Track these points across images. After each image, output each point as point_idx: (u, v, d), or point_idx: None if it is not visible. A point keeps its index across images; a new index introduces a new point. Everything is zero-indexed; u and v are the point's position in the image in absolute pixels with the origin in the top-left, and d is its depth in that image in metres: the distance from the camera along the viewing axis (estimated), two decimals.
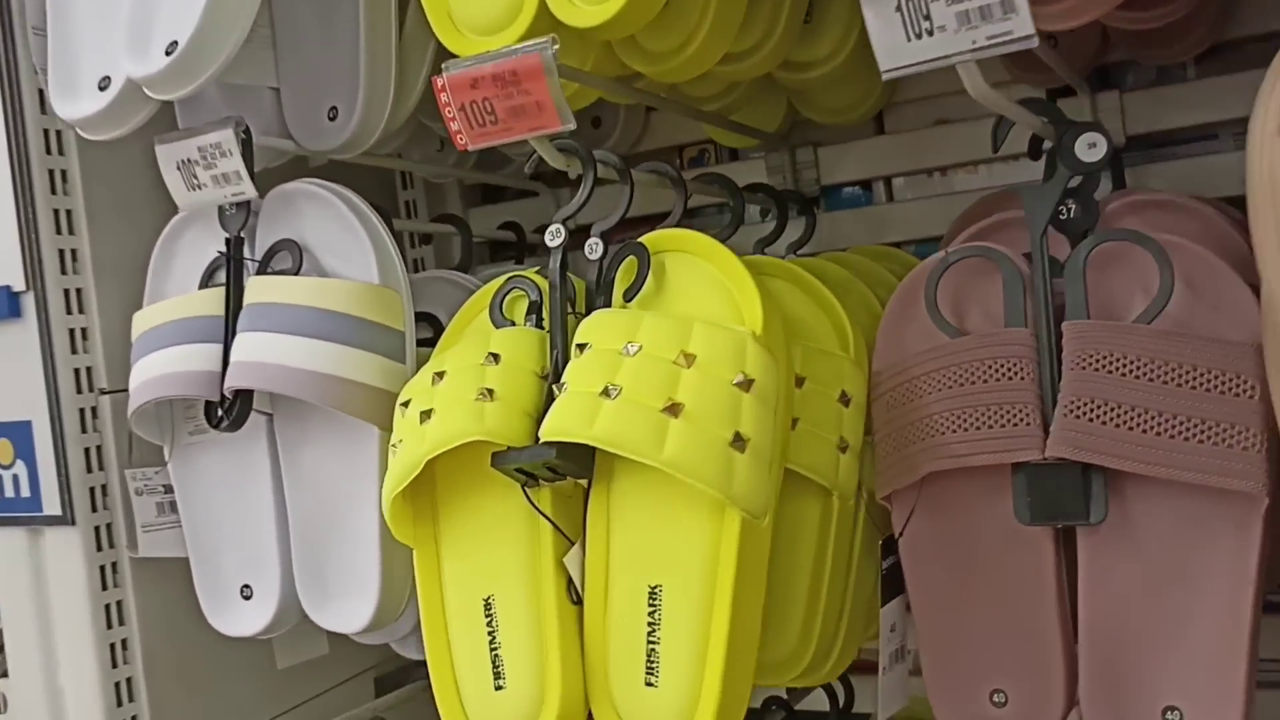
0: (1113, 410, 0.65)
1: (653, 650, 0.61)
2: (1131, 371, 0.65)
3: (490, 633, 0.65)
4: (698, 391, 0.59)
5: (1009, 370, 0.69)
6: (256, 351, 0.73)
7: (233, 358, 0.75)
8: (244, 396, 0.76)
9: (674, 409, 0.59)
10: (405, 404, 0.68)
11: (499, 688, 0.64)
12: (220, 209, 0.79)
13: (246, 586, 0.83)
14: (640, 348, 0.61)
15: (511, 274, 0.72)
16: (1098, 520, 0.66)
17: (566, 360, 0.65)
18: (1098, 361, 0.66)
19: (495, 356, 0.66)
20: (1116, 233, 0.69)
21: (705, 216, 1.08)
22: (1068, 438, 0.65)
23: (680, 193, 0.76)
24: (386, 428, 0.74)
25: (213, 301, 0.78)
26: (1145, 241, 0.68)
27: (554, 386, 0.64)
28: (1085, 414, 0.65)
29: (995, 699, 0.72)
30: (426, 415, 0.65)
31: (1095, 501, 0.67)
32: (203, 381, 0.76)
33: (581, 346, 0.63)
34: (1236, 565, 0.65)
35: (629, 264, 0.67)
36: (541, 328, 0.69)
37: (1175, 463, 0.64)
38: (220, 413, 0.76)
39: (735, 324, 0.62)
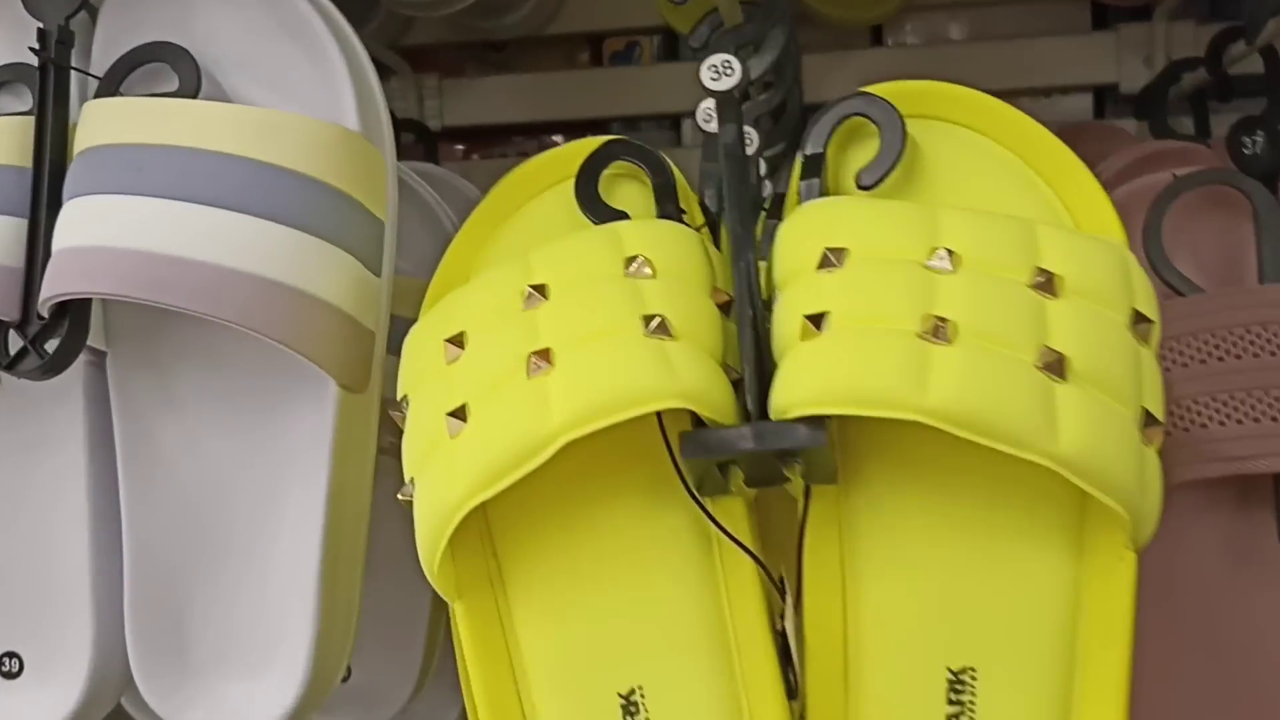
0: None
1: None
2: None
3: None
4: (1085, 336, 0.34)
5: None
6: (118, 231, 0.39)
7: (60, 241, 0.40)
8: (76, 316, 0.41)
9: (1056, 365, 0.33)
10: (456, 339, 0.37)
11: None
12: None
13: (11, 656, 0.47)
14: (958, 258, 0.35)
15: (609, 139, 0.43)
16: None
17: (752, 274, 0.38)
18: None
19: (646, 263, 0.37)
20: None
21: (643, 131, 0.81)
22: None
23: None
24: (352, 384, 0.42)
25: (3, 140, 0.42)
26: None
27: (763, 317, 0.37)
28: None
29: None
30: (540, 359, 0.35)
31: None
32: None
33: (836, 252, 0.36)
34: None
35: (849, 130, 0.41)
36: (680, 222, 0.41)
37: None
38: (25, 344, 0.41)
39: None
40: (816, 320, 0.35)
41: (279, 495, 0.44)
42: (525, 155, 0.83)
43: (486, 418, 0.35)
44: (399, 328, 0.44)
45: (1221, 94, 0.65)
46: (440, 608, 0.56)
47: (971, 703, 0.36)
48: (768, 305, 0.38)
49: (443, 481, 0.35)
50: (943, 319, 0.34)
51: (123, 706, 0.50)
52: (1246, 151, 0.58)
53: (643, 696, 0.36)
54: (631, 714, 0.36)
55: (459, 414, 0.36)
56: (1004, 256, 0.36)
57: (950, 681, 0.36)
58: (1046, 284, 0.35)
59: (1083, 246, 0.36)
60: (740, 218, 0.39)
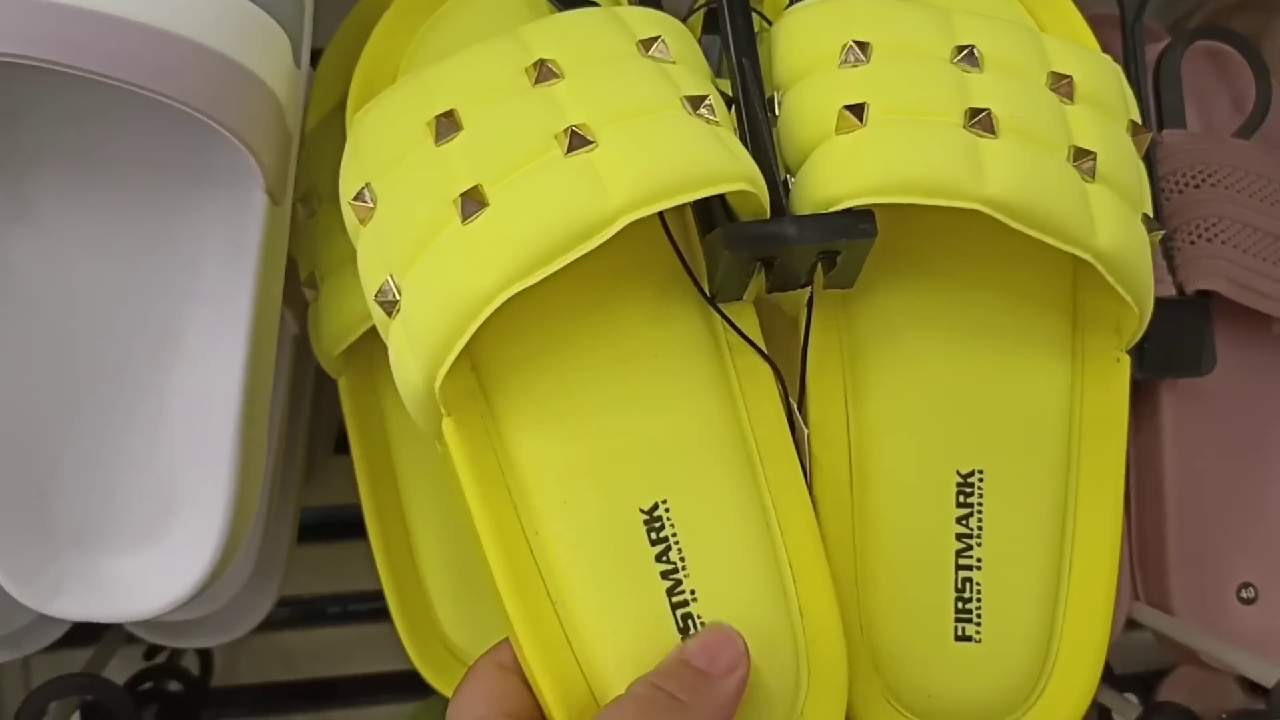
0: (1252, 238, 0.53)
1: (967, 581, 0.36)
2: (1254, 193, 0.54)
3: (670, 572, 0.33)
4: (1103, 139, 0.35)
5: None
6: None
7: None
8: None
9: (1089, 166, 0.34)
10: (448, 117, 0.33)
11: None
12: None
13: None
14: (983, 56, 0.35)
15: None
16: (1208, 371, 0.54)
17: (758, 72, 0.36)
18: (1223, 180, 0.54)
19: (665, 46, 0.34)
20: (1213, 31, 0.57)
21: None
22: (1217, 268, 0.52)
23: None
24: (276, 191, 0.36)
25: None
26: (1240, 43, 0.56)
27: (768, 109, 0.35)
28: (1229, 240, 0.53)
29: None
30: (578, 136, 0.31)
31: (1206, 349, 0.54)
32: None
33: (862, 45, 0.35)
34: None
35: None
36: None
37: None
38: None
39: None
40: (857, 111, 0.33)
41: (183, 326, 0.37)
42: None
43: (518, 198, 0.31)
44: None
45: None
46: (277, 467, 0.50)
47: (980, 504, 0.36)
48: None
49: (461, 270, 0.31)
50: (982, 109, 0.33)
51: None
52: None
53: (667, 510, 0.34)
54: (656, 529, 0.34)
55: (474, 196, 0.31)
56: (1021, 58, 0.36)
57: (959, 484, 0.36)
58: (1065, 87, 0.36)
59: (1084, 55, 0.37)
60: (741, 12, 0.36)
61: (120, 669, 0.66)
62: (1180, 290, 0.53)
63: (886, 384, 0.37)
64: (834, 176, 0.33)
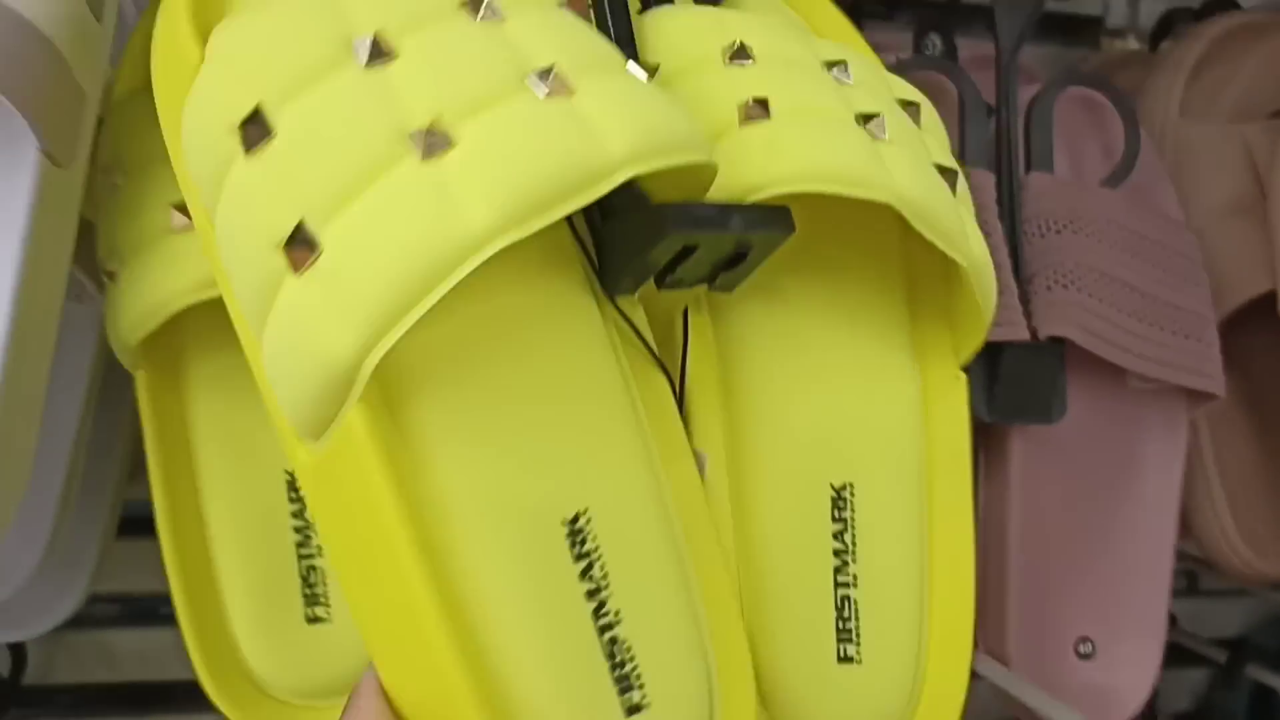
0: (1110, 288, 0.54)
1: (845, 600, 0.34)
2: (1115, 243, 0.55)
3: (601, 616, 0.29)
4: (941, 148, 0.36)
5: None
6: None
7: None
8: None
9: (951, 175, 0.34)
10: (256, 121, 0.26)
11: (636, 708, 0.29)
12: None
13: None
14: (843, 66, 0.35)
15: None
16: (1058, 418, 0.54)
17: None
18: (1085, 228, 0.55)
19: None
20: (1087, 78, 0.58)
21: None
22: (1069, 315, 0.53)
23: None
24: (57, 151, 0.31)
25: None
26: (1113, 92, 0.57)
27: None
28: (1086, 288, 0.53)
29: None
30: (433, 137, 0.25)
31: (1057, 396, 0.54)
32: None
33: (745, 51, 0.33)
34: (1163, 471, 0.59)
35: None
36: None
37: (1160, 356, 0.55)
38: None
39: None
40: (762, 105, 0.32)
41: None
42: None
43: (365, 232, 0.25)
44: None
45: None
46: (79, 452, 0.45)
47: (852, 519, 0.35)
48: None
49: (313, 332, 0.25)
50: (867, 115, 0.33)
51: None
52: (928, 52, 0.62)
53: (592, 521, 0.30)
54: (580, 540, 0.30)
55: (302, 239, 0.25)
56: (867, 77, 0.36)
57: (833, 498, 0.35)
58: (912, 111, 0.36)
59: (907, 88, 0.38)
60: (620, 11, 0.35)
61: None
62: (1034, 335, 0.53)
63: (758, 395, 0.35)
64: (754, 165, 0.31)
